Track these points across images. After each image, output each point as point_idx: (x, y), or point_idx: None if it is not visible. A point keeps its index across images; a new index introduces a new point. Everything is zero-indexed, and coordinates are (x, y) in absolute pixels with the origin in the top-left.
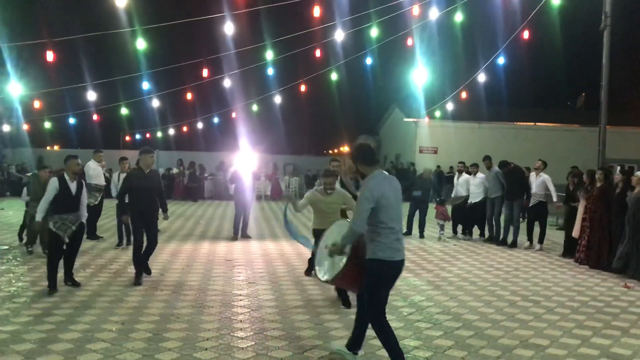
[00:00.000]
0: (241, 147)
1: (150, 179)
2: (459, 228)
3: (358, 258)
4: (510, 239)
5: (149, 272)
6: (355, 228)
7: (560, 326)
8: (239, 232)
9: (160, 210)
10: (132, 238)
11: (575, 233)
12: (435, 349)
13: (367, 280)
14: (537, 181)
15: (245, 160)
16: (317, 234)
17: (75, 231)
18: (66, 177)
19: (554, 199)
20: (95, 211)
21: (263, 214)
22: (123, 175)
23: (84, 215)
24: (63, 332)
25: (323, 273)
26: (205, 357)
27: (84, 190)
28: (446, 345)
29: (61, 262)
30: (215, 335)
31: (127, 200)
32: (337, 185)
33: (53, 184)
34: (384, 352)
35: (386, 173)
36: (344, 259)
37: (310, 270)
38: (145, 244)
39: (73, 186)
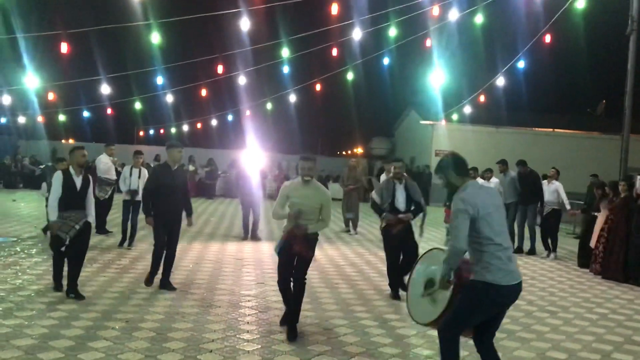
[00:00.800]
0: (248, 145)
1: (176, 177)
2: None
3: (463, 288)
4: (526, 246)
5: (171, 287)
6: (457, 245)
7: (579, 339)
8: (249, 232)
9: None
10: (131, 238)
11: (592, 243)
12: None
13: (463, 298)
14: (550, 189)
15: (252, 159)
16: (286, 241)
17: (79, 231)
18: (72, 170)
19: (567, 207)
20: (105, 205)
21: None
22: (136, 171)
23: (91, 214)
24: (65, 328)
25: (423, 314)
26: None
27: (91, 186)
28: (461, 356)
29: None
30: (220, 336)
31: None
32: (318, 183)
33: (58, 178)
34: None
35: (480, 183)
36: (448, 293)
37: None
38: (165, 253)
39: (78, 181)
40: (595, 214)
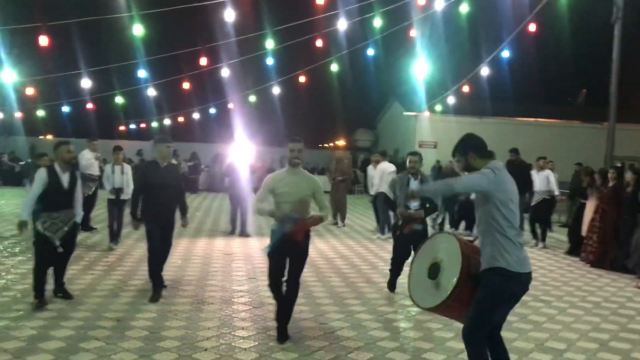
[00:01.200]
0: (237, 138)
1: (167, 174)
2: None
3: (470, 276)
4: None
5: (163, 283)
6: (456, 186)
7: (576, 328)
8: (236, 227)
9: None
10: (116, 237)
11: (584, 231)
12: (448, 351)
13: (482, 294)
14: (540, 177)
15: (241, 153)
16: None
17: (67, 232)
18: (57, 167)
19: (556, 193)
20: (89, 202)
21: None
22: (118, 168)
23: (79, 213)
24: (55, 329)
25: (424, 298)
26: (206, 358)
27: (79, 183)
28: (459, 347)
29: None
30: (215, 334)
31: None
32: (305, 171)
33: (41, 176)
34: (394, 355)
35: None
36: (454, 278)
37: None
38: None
39: (65, 178)
40: (583, 201)
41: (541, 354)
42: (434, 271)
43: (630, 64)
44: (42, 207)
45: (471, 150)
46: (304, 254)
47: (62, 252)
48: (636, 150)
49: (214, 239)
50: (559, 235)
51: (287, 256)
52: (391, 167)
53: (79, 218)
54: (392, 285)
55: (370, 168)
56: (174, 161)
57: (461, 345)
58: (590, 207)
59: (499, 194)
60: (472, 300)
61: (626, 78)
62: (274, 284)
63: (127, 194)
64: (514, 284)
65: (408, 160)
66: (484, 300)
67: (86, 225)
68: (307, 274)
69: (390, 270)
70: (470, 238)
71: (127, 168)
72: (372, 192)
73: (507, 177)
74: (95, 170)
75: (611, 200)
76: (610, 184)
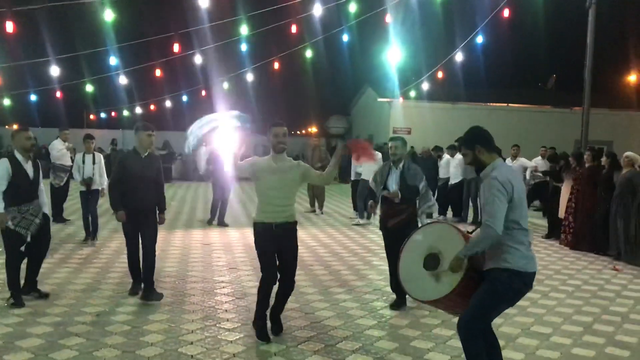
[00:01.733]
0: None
1: (148, 165)
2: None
3: (474, 271)
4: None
5: (157, 296)
6: (496, 229)
7: (560, 312)
8: (216, 217)
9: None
10: (94, 232)
11: (561, 214)
12: (435, 339)
13: (487, 290)
14: (515, 166)
15: (225, 140)
16: (263, 231)
17: (39, 225)
18: (18, 156)
19: (527, 177)
20: (61, 192)
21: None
22: (89, 157)
23: (45, 203)
24: (32, 326)
25: (420, 290)
26: (192, 352)
27: (41, 172)
28: (446, 335)
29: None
30: (200, 327)
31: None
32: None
33: (4, 166)
34: (382, 344)
35: (446, 159)
36: (458, 276)
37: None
38: (142, 260)
39: (29, 168)
40: (559, 184)
41: (528, 339)
42: (432, 262)
43: (599, 48)
44: (8, 201)
45: (479, 143)
46: (296, 246)
47: (39, 247)
48: (606, 134)
49: (191, 228)
50: (532, 219)
51: (277, 251)
52: (377, 155)
53: (47, 208)
54: (397, 292)
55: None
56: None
57: (449, 333)
58: (566, 189)
59: (512, 196)
60: (472, 294)
61: (595, 63)
62: (271, 276)
63: (98, 184)
64: (521, 283)
65: (389, 147)
66: (488, 296)
67: (59, 217)
68: None
69: (390, 274)
70: (470, 229)
71: (99, 157)
72: (353, 177)
73: (512, 176)
74: (66, 161)
75: (587, 181)
76: (587, 165)
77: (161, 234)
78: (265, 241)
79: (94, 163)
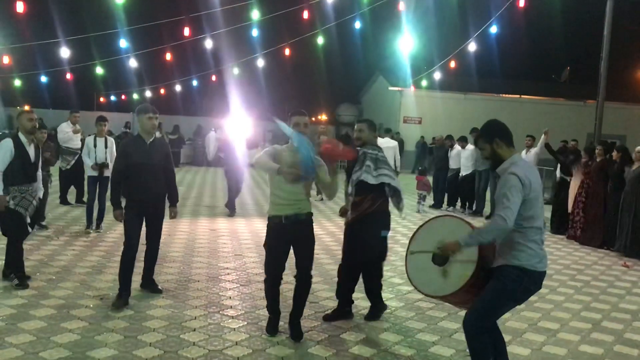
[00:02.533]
0: (232, 112)
1: (154, 152)
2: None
3: (483, 268)
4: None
5: (156, 289)
6: (508, 223)
7: (568, 308)
8: (235, 207)
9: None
10: (99, 220)
11: (570, 208)
12: (441, 332)
13: (495, 288)
14: (528, 157)
15: (239, 127)
16: (274, 225)
17: (35, 207)
18: (22, 137)
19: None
20: (70, 176)
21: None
22: (101, 140)
23: (41, 188)
24: (35, 308)
25: (429, 284)
26: (194, 339)
27: (40, 156)
28: (452, 328)
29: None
30: (203, 313)
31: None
32: None
33: (7, 146)
34: (387, 336)
35: (457, 150)
36: (472, 267)
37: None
38: (146, 248)
39: (31, 150)
40: (568, 178)
41: (535, 334)
42: (442, 257)
43: (615, 41)
44: (10, 180)
45: (497, 136)
46: (311, 240)
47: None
48: (619, 128)
49: (197, 214)
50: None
51: (290, 245)
52: (391, 143)
53: (41, 193)
54: (340, 297)
55: None
56: (157, 134)
57: (454, 326)
58: (575, 183)
59: (528, 193)
60: (481, 291)
61: (611, 56)
62: (271, 278)
63: (109, 170)
64: (530, 282)
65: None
66: (496, 294)
67: (64, 199)
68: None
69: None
70: (481, 224)
71: (111, 141)
72: None
73: (531, 172)
74: (75, 144)
75: (598, 175)
76: (598, 159)
77: (167, 220)
78: (274, 238)
79: (106, 147)
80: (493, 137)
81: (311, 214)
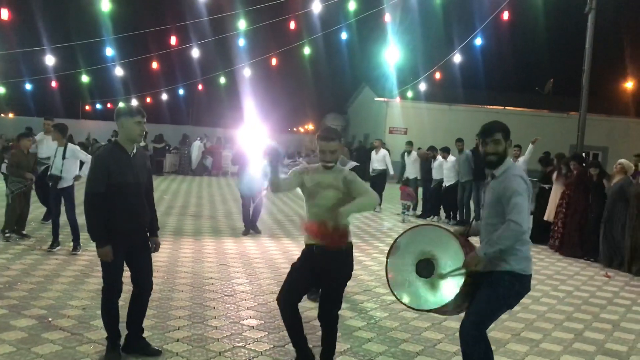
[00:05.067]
0: (247, 121)
1: (138, 168)
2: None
3: (472, 277)
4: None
5: (155, 351)
6: (523, 226)
7: (550, 318)
8: (249, 224)
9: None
10: (78, 242)
11: (549, 217)
12: (425, 342)
13: (489, 295)
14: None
15: (254, 138)
16: (307, 251)
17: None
18: None
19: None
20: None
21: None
22: (59, 149)
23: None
24: (15, 318)
25: (417, 299)
26: (178, 349)
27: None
28: (436, 338)
29: None
30: (187, 323)
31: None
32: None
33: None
34: (371, 346)
35: (440, 161)
36: (460, 282)
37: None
38: (132, 289)
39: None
40: (546, 186)
41: (518, 345)
42: (427, 268)
43: (597, 54)
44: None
45: (507, 137)
46: (339, 273)
47: None
48: (602, 140)
49: (183, 221)
50: None
51: (316, 271)
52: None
53: None
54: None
55: (373, 153)
56: (142, 142)
57: (438, 336)
58: (555, 193)
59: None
60: (471, 298)
61: (593, 68)
62: (285, 303)
63: (69, 180)
64: (521, 286)
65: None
66: (492, 300)
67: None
68: (279, 259)
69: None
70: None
71: (72, 150)
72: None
73: (524, 175)
74: (43, 154)
75: (577, 187)
76: (575, 172)
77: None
78: (300, 260)
79: (64, 157)
80: (508, 137)
81: (351, 244)
